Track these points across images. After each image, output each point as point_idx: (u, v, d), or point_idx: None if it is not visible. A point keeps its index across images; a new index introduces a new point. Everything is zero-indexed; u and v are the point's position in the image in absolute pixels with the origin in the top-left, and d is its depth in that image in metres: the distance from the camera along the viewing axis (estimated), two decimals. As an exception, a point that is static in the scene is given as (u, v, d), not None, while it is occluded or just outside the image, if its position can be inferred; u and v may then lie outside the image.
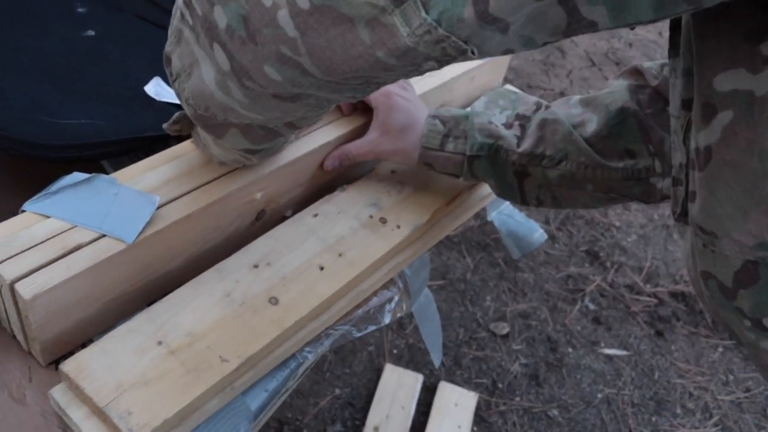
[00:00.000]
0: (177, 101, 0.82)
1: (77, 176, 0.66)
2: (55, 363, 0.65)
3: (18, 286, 0.58)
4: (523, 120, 0.81)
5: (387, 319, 0.76)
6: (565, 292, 1.95)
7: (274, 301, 0.68)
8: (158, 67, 0.86)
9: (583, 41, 3.10)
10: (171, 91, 0.83)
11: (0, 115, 0.71)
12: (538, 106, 0.82)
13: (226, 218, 0.72)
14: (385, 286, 0.78)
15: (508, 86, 0.96)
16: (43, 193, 0.65)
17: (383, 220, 0.79)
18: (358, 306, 0.75)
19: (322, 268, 0.72)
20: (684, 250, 0.58)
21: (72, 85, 0.79)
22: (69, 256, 0.61)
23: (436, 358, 0.93)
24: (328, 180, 0.83)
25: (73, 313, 0.63)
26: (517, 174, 0.79)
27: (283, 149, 0.76)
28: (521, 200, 0.82)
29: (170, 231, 0.66)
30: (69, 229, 0.63)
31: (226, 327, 0.65)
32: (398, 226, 0.79)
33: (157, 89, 0.82)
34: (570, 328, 1.87)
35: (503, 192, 0.82)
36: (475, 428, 1.58)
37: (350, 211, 0.79)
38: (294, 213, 0.80)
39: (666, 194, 0.76)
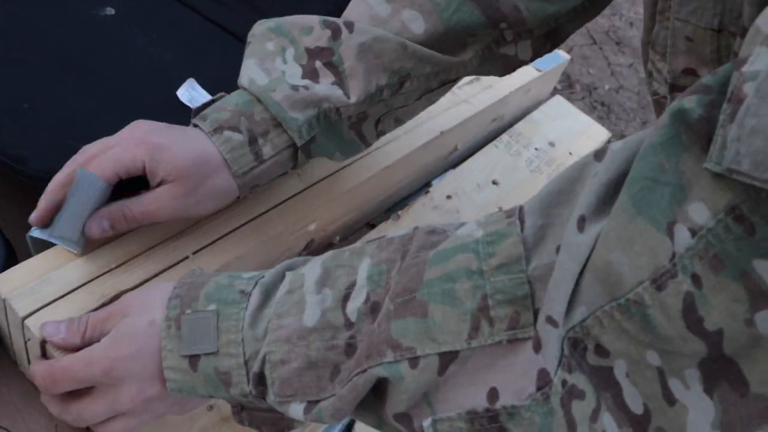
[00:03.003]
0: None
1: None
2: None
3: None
4: (323, 56, 0.59)
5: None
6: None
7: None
8: (189, 61, 0.76)
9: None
10: (206, 95, 0.73)
11: (18, 138, 0.60)
12: (333, 29, 0.59)
13: (276, 252, 0.64)
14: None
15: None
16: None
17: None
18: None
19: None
20: None
21: (94, 86, 0.69)
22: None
23: None
24: (375, 205, 0.76)
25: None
26: (355, 125, 0.62)
27: (337, 177, 0.68)
28: (365, 147, 0.65)
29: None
30: (107, 272, 0.55)
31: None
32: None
33: (191, 94, 0.72)
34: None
35: (346, 153, 0.64)
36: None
37: (406, 243, 0.72)
38: (341, 239, 0.73)
39: (523, 59, 0.66)
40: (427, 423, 0.39)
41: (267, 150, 0.57)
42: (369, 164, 0.70)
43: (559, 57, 0.98)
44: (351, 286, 0.43)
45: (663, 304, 0.30)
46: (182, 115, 0.71)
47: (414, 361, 0.39)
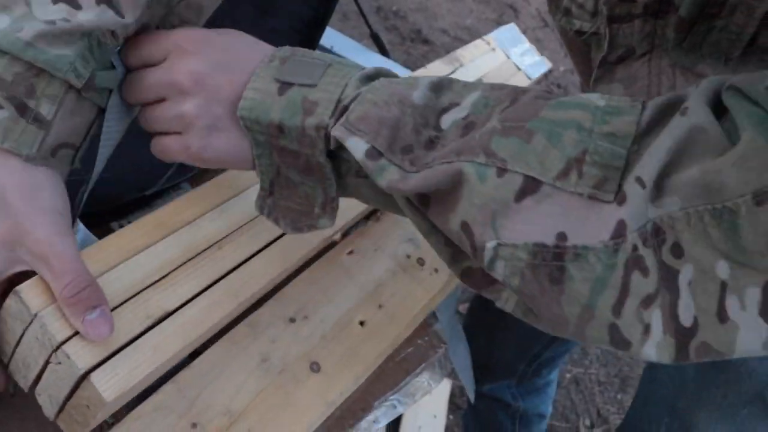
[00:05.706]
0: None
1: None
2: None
3: (96, 380, 0.47)
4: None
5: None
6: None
7: (315, 367, 0.61)
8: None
9: (536, -1, 3.02)
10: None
11: None
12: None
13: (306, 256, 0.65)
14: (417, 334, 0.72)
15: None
16: None
17: (421, 262, 0.72)
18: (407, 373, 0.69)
19: (362, 323, 0.66)
20: None
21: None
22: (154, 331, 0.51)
23: (471, 392, 0.86)
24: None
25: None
26: None
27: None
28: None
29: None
30: (150, 286, 0.53)
31: (267, 402, 0.58)
32: (436, 270, 0.72)
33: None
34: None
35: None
36: (450, 416, 1.56)
37: (386, 248, 0.72)
38: (342, 237, 0.72)
39: None
40: (490, 244, 0.41)
41: (46, 108, 0.45)
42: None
43: (545, 65, 1.06)
44: (454, 105, 0.45)
45: (756, 217, 0.33)
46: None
47: (501, 172, 0.41)
